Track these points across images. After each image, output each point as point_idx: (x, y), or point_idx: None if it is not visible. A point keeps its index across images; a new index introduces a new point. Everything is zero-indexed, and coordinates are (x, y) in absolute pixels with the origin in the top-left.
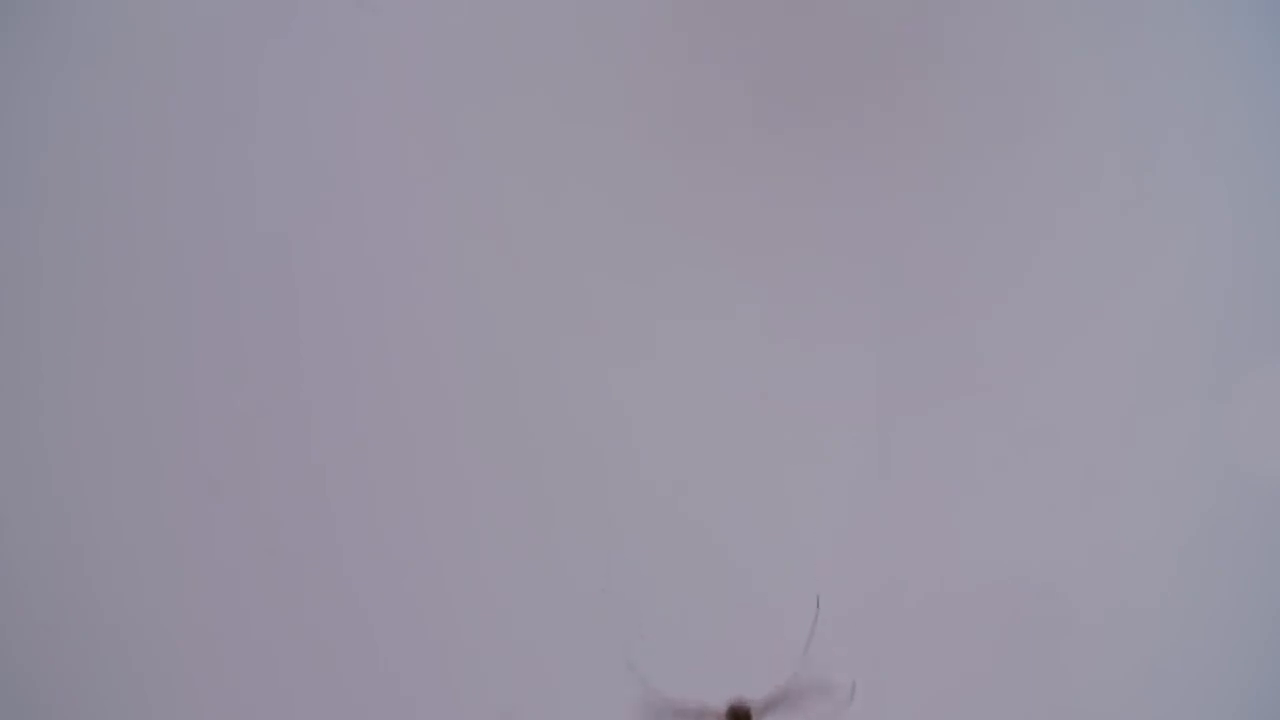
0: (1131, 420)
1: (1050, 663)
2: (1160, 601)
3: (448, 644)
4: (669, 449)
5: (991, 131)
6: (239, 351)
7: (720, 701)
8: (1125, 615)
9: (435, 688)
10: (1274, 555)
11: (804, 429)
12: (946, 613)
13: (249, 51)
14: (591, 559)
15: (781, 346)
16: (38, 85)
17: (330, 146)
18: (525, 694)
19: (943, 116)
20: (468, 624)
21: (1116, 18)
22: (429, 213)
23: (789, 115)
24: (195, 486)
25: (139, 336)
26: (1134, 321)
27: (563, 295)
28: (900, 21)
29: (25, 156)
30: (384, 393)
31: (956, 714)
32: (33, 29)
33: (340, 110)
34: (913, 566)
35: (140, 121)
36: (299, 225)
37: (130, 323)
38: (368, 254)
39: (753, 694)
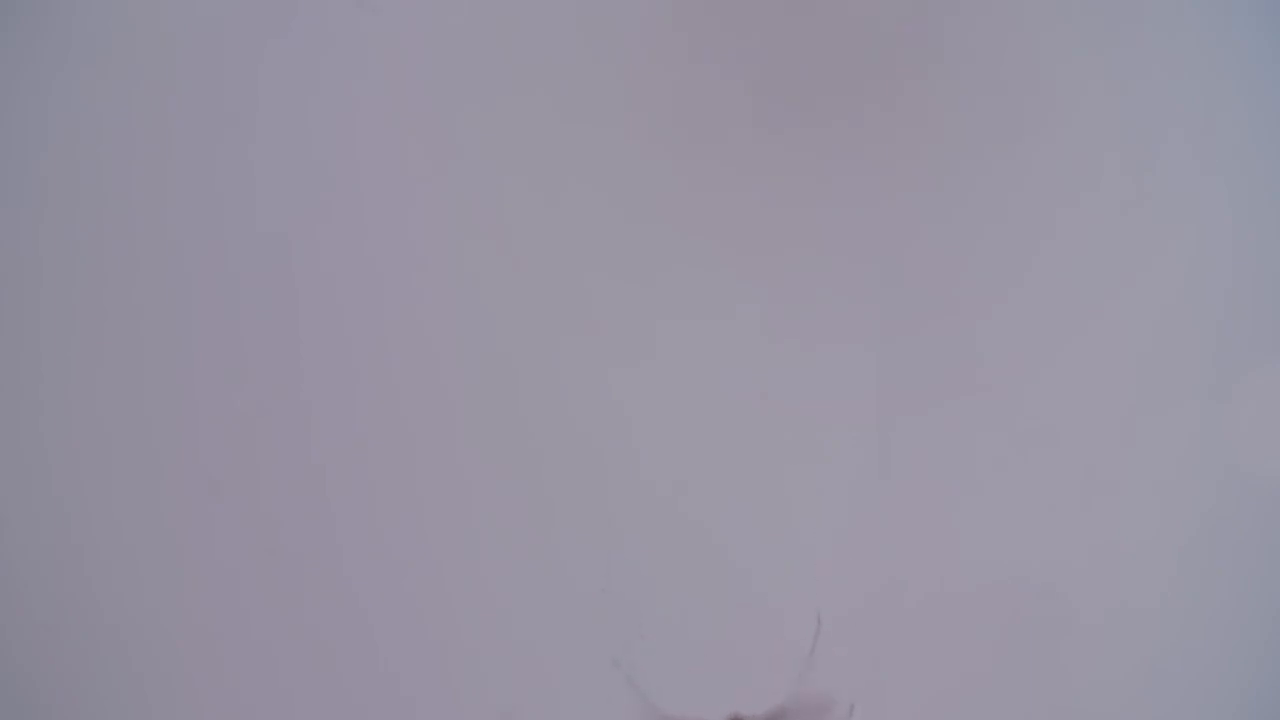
0: (1131, 420)
1: (1050, 663)
2: (1160, 601)
3: (448, 644)
4: (669, 449)
5: (991, 131)
6: (239, 351)
7: (718, 717)
8: (1125, 615)
9: (435, 688)
10: (1274, 555)
11: (804, 429)
12: (946, 613)
13: (249, 51)
14: (591, 559)
15: (781, 346)
16: (38, 85)
17: (330, 146)
18: (525, 694)
19: (943, 116)
20: (468, 624)
21: (1116, 18)
22: (429, 213)
23: (789, 115)
24: (195, 486)
25: (139, 336)
26: (1134, 321)
27: (563, 295)
28: (900, 21)
29: (25, 156)
30: (384, 393)
31: (956, 714)
32: (33, 29)
33: (340, 110)
34: (913, 566)
35: (140, 121)
36: (299, 225)
37: (130, 323)
38: (368, 254)
39: (751, 705)
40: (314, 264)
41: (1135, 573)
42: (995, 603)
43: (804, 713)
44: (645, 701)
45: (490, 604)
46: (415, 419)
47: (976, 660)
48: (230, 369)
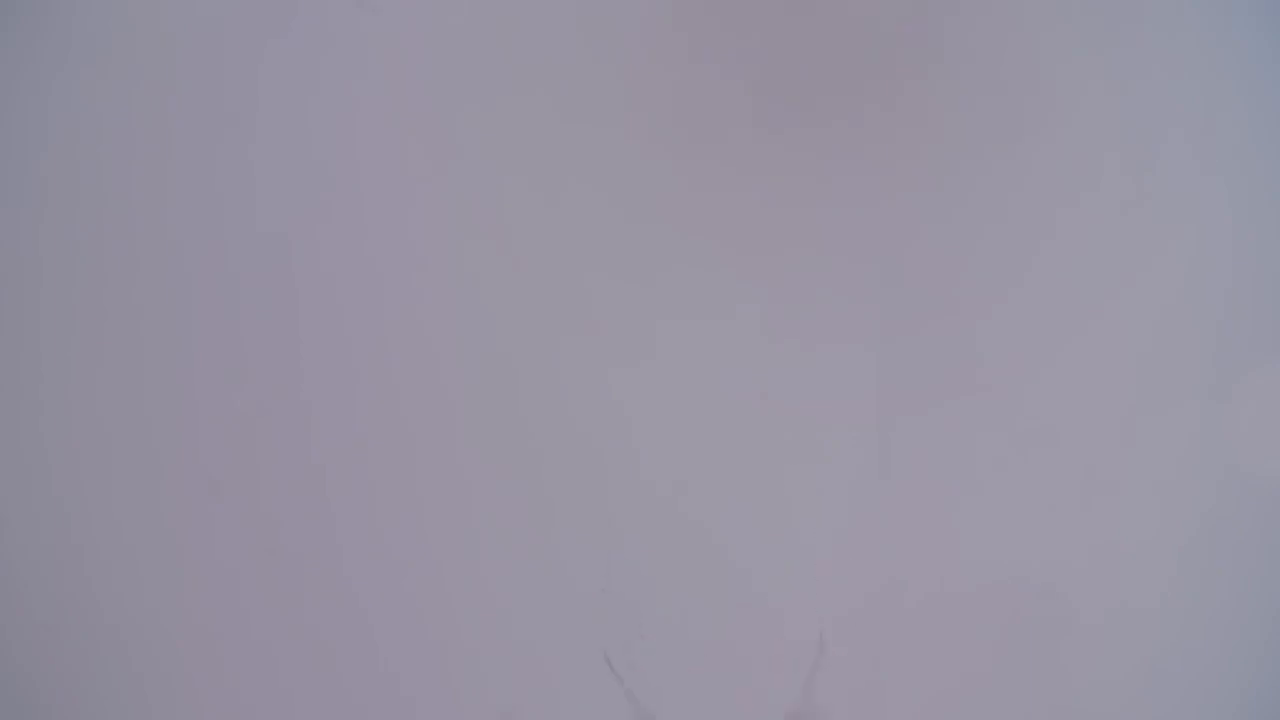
0: (1131, 420)
1: (1050, 663)
2: (1160, 601)
3: (448, 644)
4: (669, 449)
5: (991, 131)
6: (239, 351)
7: None
8: (1125, 615)
9: (435, 688)
10: (1274, 555)
11: (804, 429)
12: (946, 613)
13: (249, 51)
14: (591, 559)
15: (781, 346)
16: (38, 85)
17: (330, 146)
18: (525, 694)
19: (943, 116)
20: (468, 624)
21: (1116, 18)
22: (429, 213)
23: (789, 115)
24: (195, 486)
25: (139, 336)
26: (1134, 321)
27: (563, 295)
28: (900, 21)
29: (25, 156)
30: (384, 393)
31: (956, 714)
32: (33, 29)
33: (340, 110)
34: (913, 566)
35: (140, 121)
36: (299, 225)
37: (130, 323)
38: (368, 254)
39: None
40: (314, 264)
41: (1135, 573)
42: (995, 603)
43: None
44: (634, 700)
45: (490, 604)
46: (415, 419)
47: (976, 660)
48: (230, 369)
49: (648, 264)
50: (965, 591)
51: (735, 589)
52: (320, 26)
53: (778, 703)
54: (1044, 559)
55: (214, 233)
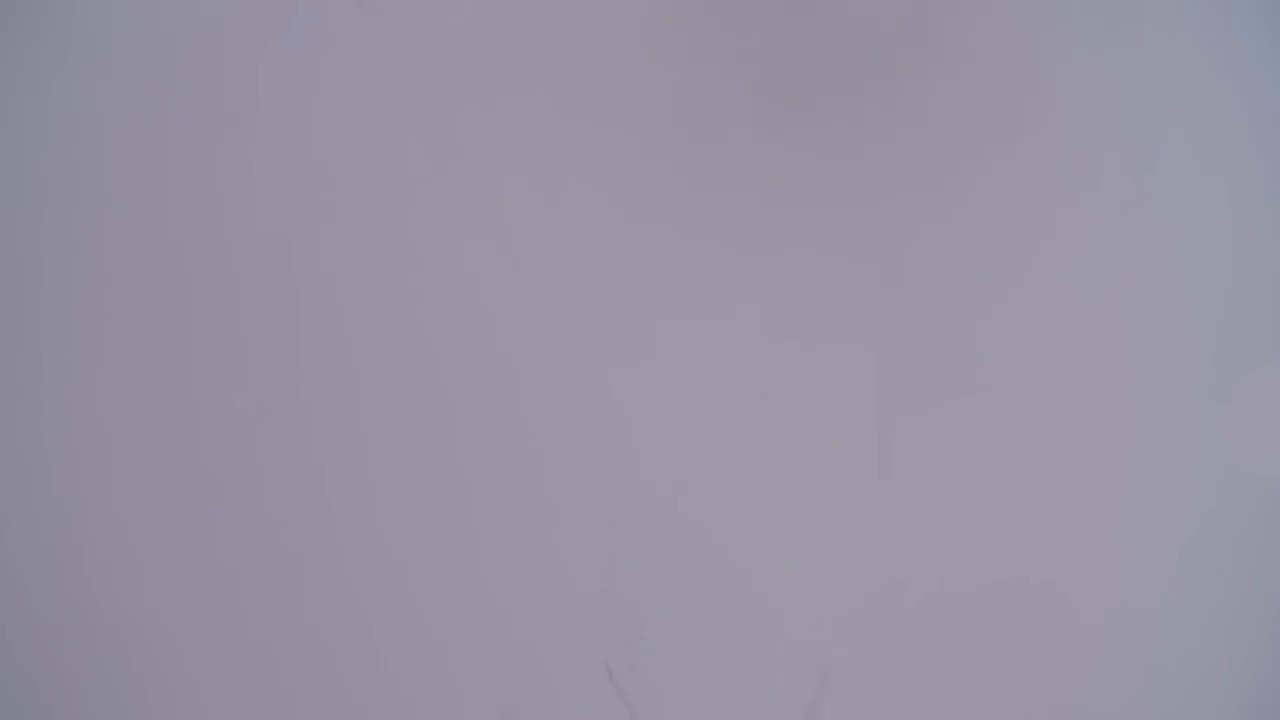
0: (1131, 420)
1: (1050, 663)
2: (1160, 601)
3: (448, 644)
4: (669, 449)
5: (991, 131)
6: (239, 351)
7: None
8: (1125, 615)
9: (435, 688)
10: (1274, 555)
11: (804, 429)
12: (946, 613)
13: (249, 51)
14: (591, 559)
15: (781, 346)
16: (38, 85)
17: (330, 146)
18: (525, 694)
19: (943, 116)
20: (468, 624)
21: (1116, 18)
22: (429, 213)
23: (789, 115)
24: (195, 486)
25: (139, 336)
26: (1134, 321)
27: (563, 295)
28: (900, 21)
29: (25, 156)
30: (384, 393)
31: (956, 714)
32: (33, 29)
33: (340, 110)
34: (913, 566)
35: (140, 121)
36: (299, 225)
37: (130, 323)
38: (368, 254)
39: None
40: (314, 264)
41: (1135, 573)
42: (995, 603)
43: None
44: (633, 713)
45: (490, 604)
46: (415, 419)
47: (976, 660)
48: (230, 369)
49: (648, 264)
50: (965, 591)
51: (735, 589)
52: (320, 26)
53: (778, 703)
54: (1044, 559)
55: (214, 233)
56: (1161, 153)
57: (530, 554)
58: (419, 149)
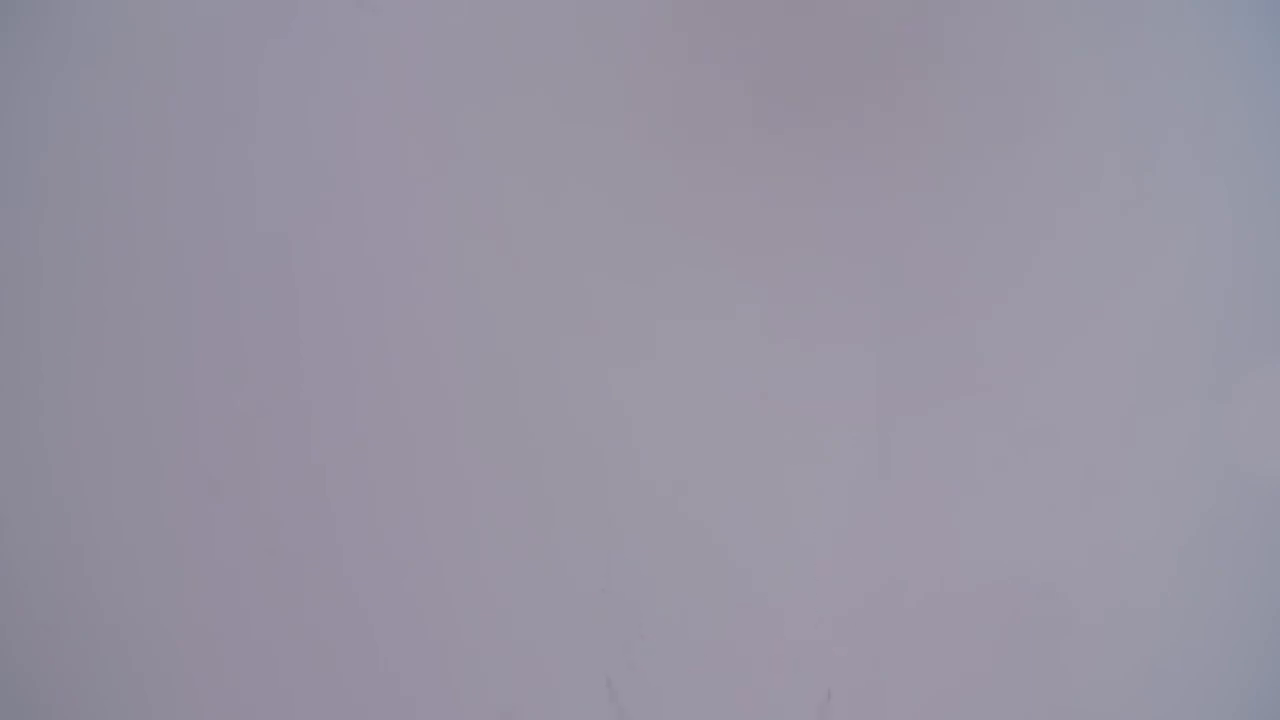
0: (1131, 420)
1: (1050, 663)
2: (1160, 601)
3: (448, 644)
4: (669, 449)
5: (991, 131)
6: (239, 351)
7: None
8: (1125, 615)
9: (435, 688)
10: (1274, 555)
11: (804, 429)
12: (946, 613)
13: (249, 51)
14: (591, 559)
15: (781, 346)
16: (38, 85)
17: (330, 146)
18: (525, 694)
19: (942, 116)
20: (468, 624)
21: (1116, 18)
22: (429, 213)
23: (789, 115)
24: (195, 486)
25: (139, 336)
26: (1134, 321)
27: (563, 295)
28: (900, 21)
29: (25, 156)
30: (384, 393)
31: (956, 714)
32: (33, 29)
33: (340, 110)
34: (913, 566)
35: (140, 121)
36: (299, 225)
37: (130, 323)
38: (368, 254)
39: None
40: (314, 264)
41: (1135, 573)
42: (995, 603)
43: None
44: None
45: (490, 604)
46: (415, 419)
47: (976, 660)
48: (230, 369)
49: (648, 264)
50: (965, 591)
51: (735, 589)
52: (320, 26)
53: (778, 703)
54: (1044, 559)
55: (214, 233)
56: (1161, 153)
57: (530, 554)
58: (419, 149)
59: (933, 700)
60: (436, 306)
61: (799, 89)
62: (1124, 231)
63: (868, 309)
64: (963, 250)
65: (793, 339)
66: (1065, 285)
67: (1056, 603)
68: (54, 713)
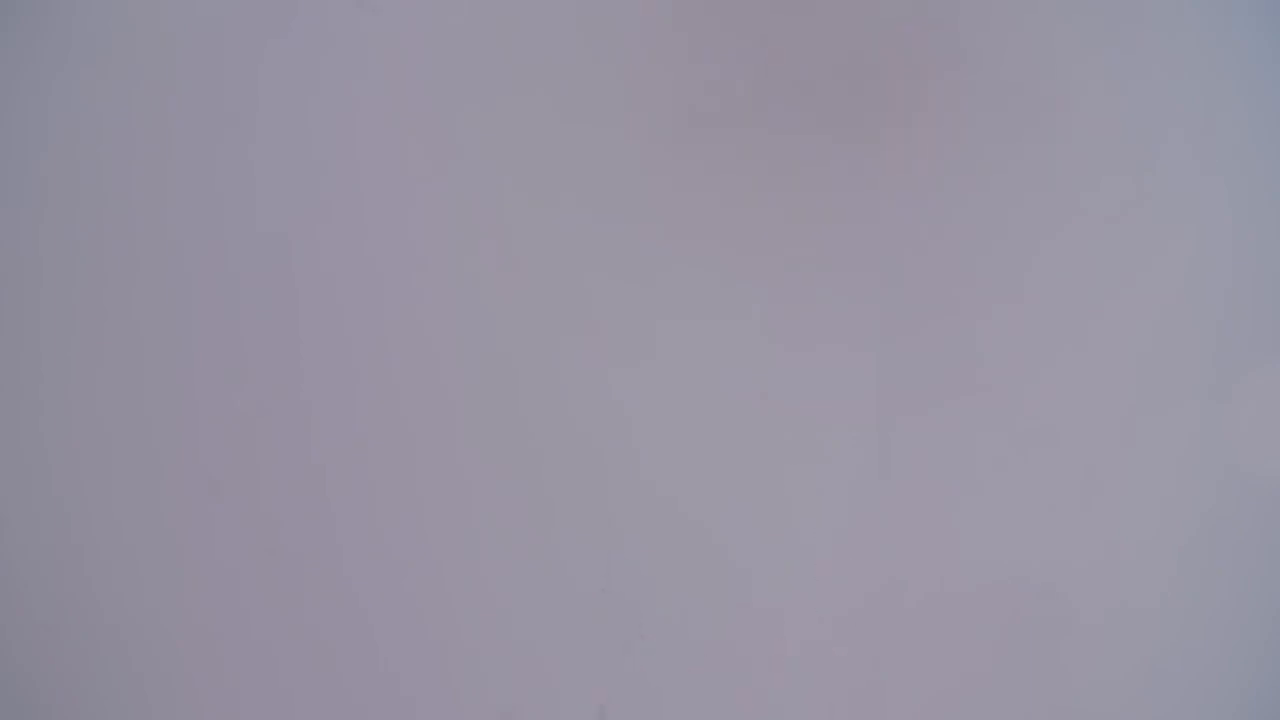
0: (1131, 420)
1: (1050, 663)
2: (1160, 601)
3: (448, 644)
4: (669, 449)
5: (992, 132)
6: (239, 351)
7: None
8: (1125, 615)
9: (435, 688)
10: (1274, 555)
11: (804, 429)
12: (946, 613)
13: (249, 51)
14: (591, 559)
15: (782, 347)
16: (38, 85)
17: (330, 146)
18: (525, 694)
19: (943, 116)
20: (468, 624)
21: (1116, 18)
22: (429, 213)
23: (789, 116)
24: (195, 486)
25: (139, 336)
26: (1134, 321)
27: (563, 295)
28: (901, 22)
29: (25, 156)
30: (384, 393)
31: (956, 714)
32: (33, 29)
33: (340, 110)
34: (913, 566)
35: (140, 121)
36: (299, 225)
37: (130, 323)
38: (368, 254)
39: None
40: (314, 264)
41: (1135, 573)
42: (995, 603)
43: None
44: None
45: (490, 604)
46: (415, 419)
47: (976, 660)
48: (230, 369)
49: (648, 264)
50: (965, 591)
51: (735, 589)
52: (320, 26)
53: (778, 703)
54: (1044, 559)
55: (214, 233)
56: (1161, 153)
57: (530, 554)
58: (419, 149)
59: (933, 700)
60: (436, 306)
61: (799, 90)
62: (1124, 231)
63: (867, 309)
64: (962, 250)
65: (793, 339)
66: (1065, 285)
67: (1056, 603)
68: (54, 713)
